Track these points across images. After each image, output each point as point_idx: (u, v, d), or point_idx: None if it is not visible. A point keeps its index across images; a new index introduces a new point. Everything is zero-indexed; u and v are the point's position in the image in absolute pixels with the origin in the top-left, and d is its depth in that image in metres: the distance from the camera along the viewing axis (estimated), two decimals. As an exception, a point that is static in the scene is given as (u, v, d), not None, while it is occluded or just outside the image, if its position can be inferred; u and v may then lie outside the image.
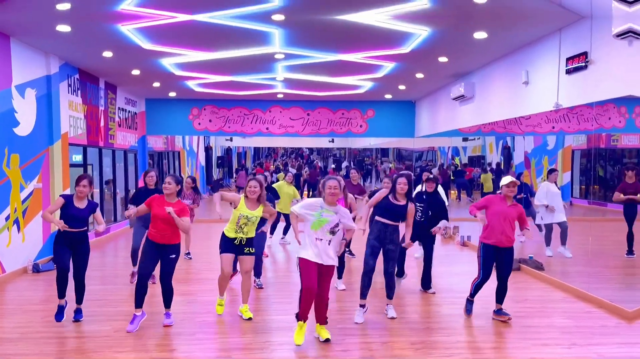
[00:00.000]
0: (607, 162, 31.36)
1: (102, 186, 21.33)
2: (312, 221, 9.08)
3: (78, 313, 10.42)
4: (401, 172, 11.03)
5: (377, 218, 10.53)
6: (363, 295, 10.46)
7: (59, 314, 10.27)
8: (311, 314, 9.19)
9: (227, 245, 10.28)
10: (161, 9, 11.93)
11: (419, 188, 13.90)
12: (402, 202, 10.46)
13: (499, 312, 10.44)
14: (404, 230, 10.68)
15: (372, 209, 11.00)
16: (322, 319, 9.29)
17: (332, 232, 9.12)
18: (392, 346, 9.15)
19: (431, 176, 12.90)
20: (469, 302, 10.57)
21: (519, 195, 18.45)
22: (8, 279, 13.85)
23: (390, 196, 10.51)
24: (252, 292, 11.36)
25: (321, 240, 9.05)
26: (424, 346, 9.11)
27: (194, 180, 16.62)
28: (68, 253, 10.15)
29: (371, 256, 10.40)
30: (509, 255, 10.33)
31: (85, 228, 10.33)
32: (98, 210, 10.39)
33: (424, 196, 12.58)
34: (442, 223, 12.72)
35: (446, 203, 13.68)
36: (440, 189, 13.60)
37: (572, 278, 13.65)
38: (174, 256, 10.04)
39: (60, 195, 10.38)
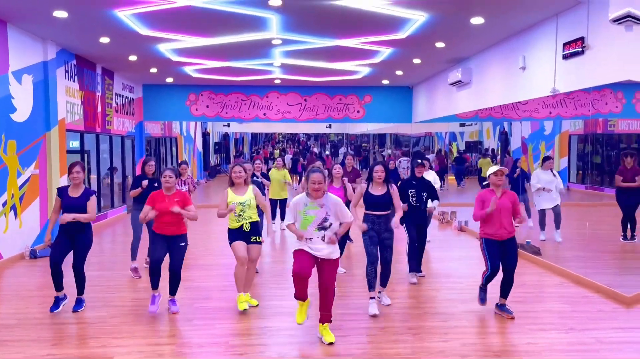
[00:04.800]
0: (604, 147, 31.39)
1: (99, 173, 21.33)
2: (300, 221, 8.77)
3: (78, 304, 10.34)
4: (376, 161, 11.01)
5: (365, 211, 10.48)
6: (372, 287, 10.24)
7: (55, 305, 10.18)
8: (313, 313, 9.17)
9: (235, 235, 10.25)
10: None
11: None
12: (382, 191, 10.39)
13: (502, 308, 10.24)
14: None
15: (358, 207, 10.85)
16: (326, 317, 8.88)
17: (323, 228, 8.70)
18: (390, 331, 9.17)
19: (419, 161, 12.90)
20: (482, 290, 10.32)
21: (515, 174, 18.58)
22: (5, 265, 13.87)
23: (369, 189, 10.47)
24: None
25: (311, 239, 8.69)
26: (422, 331, 9.13)
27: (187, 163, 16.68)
28: (64, 244, 10.09)
29: (372, 245, 10.25)
30: (513, 246, 10.02)
31: None
32: (93, 198, 10.22)
33: (414, 182, 12.54)
34: (434, 203, 12.84)
35: (436, 186, 13.75)
36: (429, 173, 13.72)
37: (569, 263, 13.66)
38: (183, 244, 10.13)
39: (57, 189, 10.35)
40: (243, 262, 10.14)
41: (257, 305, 10.43)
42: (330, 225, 8.76)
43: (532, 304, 10.69)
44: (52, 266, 10.04)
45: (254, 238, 10.30)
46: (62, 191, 10.09)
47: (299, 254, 8.72)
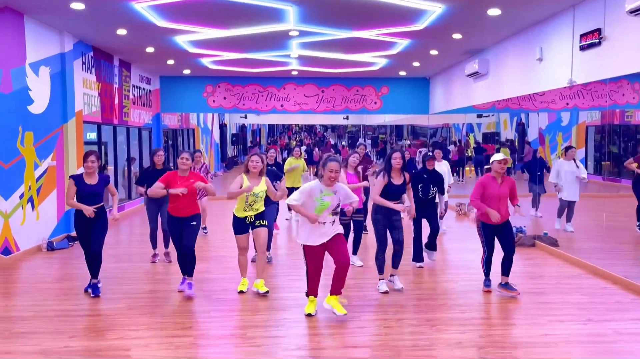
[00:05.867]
0: (621, 138, 31.24)
1: (116, 164, 21.39)
2: (315, 206, 8.98)
3: (96, 288, 10.50)
4: (393, 149, 11.13)
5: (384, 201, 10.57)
6: (382, 270, 10.79)
7: (96, 289, 10.43)
8: (321, 291, 9.23)
9: (239, 225, 10.52)
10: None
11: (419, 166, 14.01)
12: (400, 180, 10.65)
13: (505, 286, 10.40)
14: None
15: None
16: (337, 290, 9.14)
17: (335, 213, 9.12)
18: (407, 322, 9.16)
19: (430, 154, 12.97)
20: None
21: (526, 158, 18.59)
22: (22, 257, 13.92)
23: (390, 179, 10.59)
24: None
25: (324, 223, 9.02)
26: (440, 323, 9.12)
27: (201, 152, 16.82)
28: (86, 233, 10.31)
29: (384, 233, 10.61)
30: (509, 228, 10.47)
31: (102, 203, 10.41)
32: (111, 182, 10.61)
33: (425, 175, 12.62)
34: (443, 199, 13.08)
35: (449, 179, 13.87)
36: (443, 165, 13.82)
37: (587, 254, 13.62)
38: (194, 223, 10.35)
39: (69, 177, 10.45)
40: (244, 250, 10.74)
41: (268, 292, 10.50)
42: (340, 208, 9.22)
43: (549, 295, 10.66)
44: (86, 253, 10.46)
45: (259, 221, 10.54)
46: (78, 179, 10.27)
47: (310, 252, 9.10)
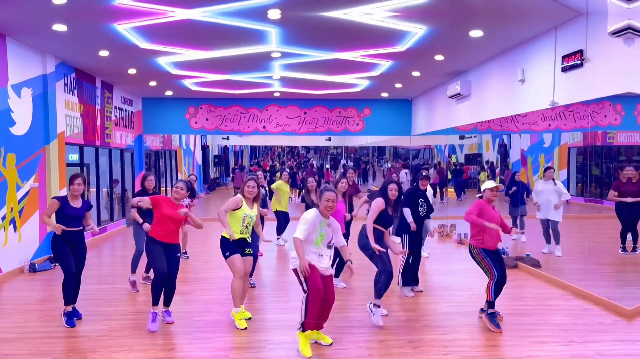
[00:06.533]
0: (603, 160, 31.42)
1: (98, 186, 21.32)
2: (315, 238, 8.80)
3: (77, 312, 10.46)
4: (389, 179, 11.01)
5: (375, 225, 10.49)
6: (380, 295, 10.30)
7: (70, 320, 10.19)
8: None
9: (234, 246, 10.11)
10: (157, 3, 11.82)
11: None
12: (392, 212, 10.62)
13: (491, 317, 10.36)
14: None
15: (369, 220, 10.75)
16: (319, 325, 9.07)
17: (329, 246, 8.97)
18: (390, 344, 9.16)
19: (424, 173, 12.99)
20: (493, 316, 10.04)
21: (511, 190, 18.57)
22: (5, 279, 13.84)
23: (388, 209, 10.53)
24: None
25: (322, 255, 8.86)
26: (422, 344, 9.11)
27: (195, 179, 16.80)
28: (71, 254, 10.22)
29: (387, 256, 10.30)
30: (499, 253, 10.39)
31: (82, 227, 10.35)
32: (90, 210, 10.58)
33: (420, 193, 12.65)
34: (431, 225, 13.04)
35: (433, 201, 13.93)
36: (428, 188, 13.85)
37: (570, 275, 13.66)
38: (179, 254, 10.21)
39: (53, 198, 10.38)
40: (241, 276, 10.11)
41: (250, 318, 10.40)
42: (333, 244, 9.04)
43: (532, 316, 10.67)
44: (69, 276, 10.18)
45: (248, 250, 10.31)
46: (63, 200, 10.16)
47: (313, 270, 8.69)
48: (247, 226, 10.18)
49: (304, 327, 8.79)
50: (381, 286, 10.25)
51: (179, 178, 33.85)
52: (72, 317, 10.25)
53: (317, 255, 8.81)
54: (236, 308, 10.19)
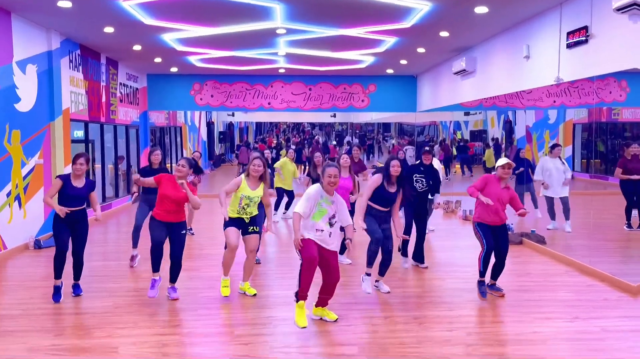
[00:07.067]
0: (608, 136, 31.34)
1: (103, 162, 21.34)
2: (313, 213, 8.83)
3: (77, 288, 10.55)
4: (392, 156, 11.00)
5: (371, 204, 10.46)
6: (370, 263, 10.42)
7: (57, 295, 10.24)
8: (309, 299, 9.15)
9: (231, 221, 10.12)
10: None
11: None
12: (394, 189, 10.46)
13: (492, 287, 10.40)
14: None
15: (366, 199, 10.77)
16: (324, 302, 9.11)
17: (330, 224, 8.89)
18: (395, 320, 9.17)
19: (427, 148, 12.93)
20: (481, 284, 10.27)
21: (517, 170, 18.45)
22: (9, 255, 13.90)
23: (385, 183, 10.44)
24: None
25: (322, 231, 8.81)
26: (427, 321, 9.13)
27: (199, 156, 16.77)
28: (67, 233, 10.22)
29: (376, 226, 10.32)
30: (504, 231, 10.29)
31: (84, 206, 10.35)
32: (95, 190, 10.54)
33: (422, 168, 12.57)
34: (438, 198, 12.90)
35: (441, 177, 13.82)
36: (435, 162, 13.75)
37: (575, 251, 13.66)
38: (183, 231, 10.16)
39: (56, 177, 10.38)
40: (233, 249, 10.15)
41: (255, 294, 10.43)
42: (336, 222, 8.97)
43: (537, 293, 10.69)
44: (59, 252, 10.21)
45: (252, 228, 10.24)
46: (65, 179, 10.13)
47: (307, 242, 8.73)
48: (244, 208, 10.10)
49: (297, 296, 8.94)
50: (371, 254, 10.40)
51: (184, 154, 33.83)
52: (58, 292, 10.29)
53: (316, 229, 8.78)
54: (224, 276, 10.41)
